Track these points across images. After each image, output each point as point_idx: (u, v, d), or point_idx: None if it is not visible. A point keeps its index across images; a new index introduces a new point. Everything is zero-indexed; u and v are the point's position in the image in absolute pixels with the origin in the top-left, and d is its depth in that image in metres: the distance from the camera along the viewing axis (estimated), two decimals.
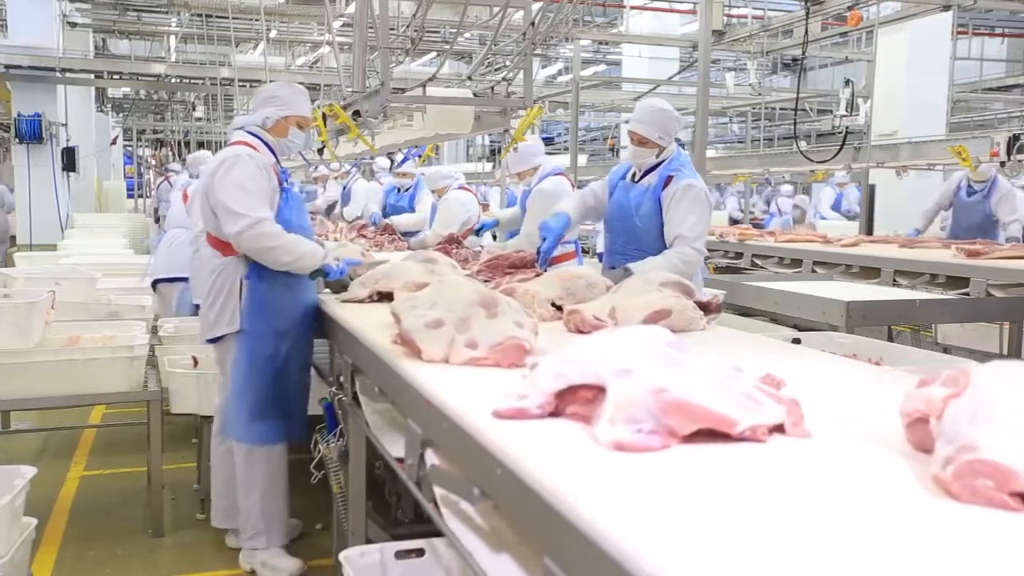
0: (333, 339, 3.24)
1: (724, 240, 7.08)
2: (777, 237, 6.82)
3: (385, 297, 3.21)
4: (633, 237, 3.64)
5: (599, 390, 1.53)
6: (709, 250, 7.19)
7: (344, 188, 9.26)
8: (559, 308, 2.79)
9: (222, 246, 3.37)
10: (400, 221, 6.96)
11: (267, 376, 3.39)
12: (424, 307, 2.29)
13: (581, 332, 2.49)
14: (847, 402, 1.85)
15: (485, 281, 3.28)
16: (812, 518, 1.16)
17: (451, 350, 2.13)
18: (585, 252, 6.83)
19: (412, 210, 7.45)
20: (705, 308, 2.75)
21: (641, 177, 3.68)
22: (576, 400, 1.58)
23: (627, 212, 3.68)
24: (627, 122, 3.80)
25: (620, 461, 1.38)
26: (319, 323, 3.45)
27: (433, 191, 6.83)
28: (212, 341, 3.49)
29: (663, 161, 3.61)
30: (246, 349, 3.38)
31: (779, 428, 1.51)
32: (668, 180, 3.55)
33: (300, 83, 3.91)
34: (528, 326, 2.22)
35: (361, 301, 3.28)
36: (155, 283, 6.03)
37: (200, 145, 17.15)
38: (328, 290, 3.52)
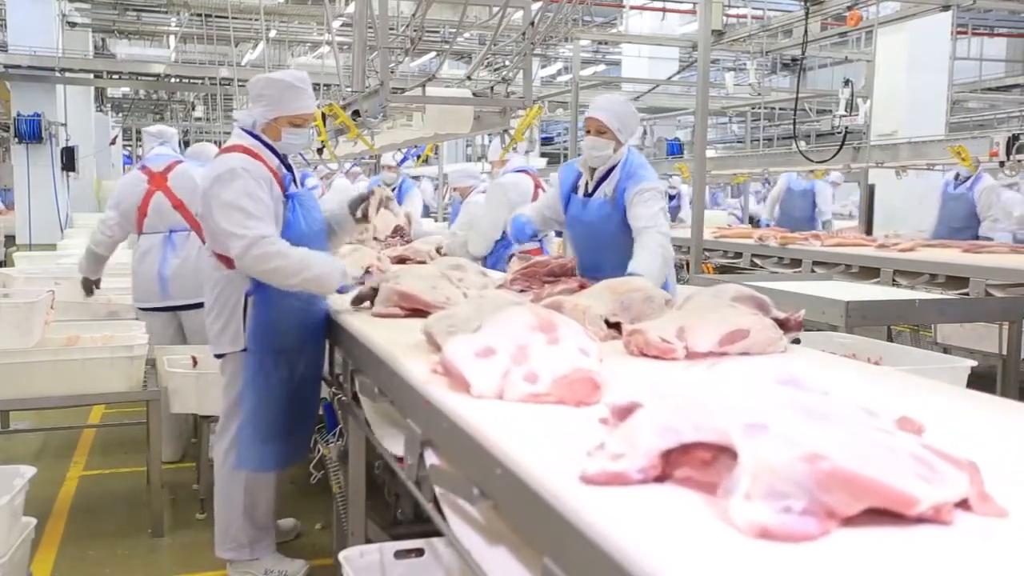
0: (339, 345, 3.13)
1: (764, 244, 6.87)
2: (824, 241, 6.48)
3: (418, 312, 2.86)
4: (611, 251, 3.56)
5: (720, 450, 1.22)
6: (708, 250, 7.23)
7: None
8: (612, 326, 2.52)
9: (224, 259, 3.13)
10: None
11: (278, 398, 3.21)
12: (463, 326, 2.06)
13: (646, 355, 2.22)
14: (1000, 448, 1.50)
15: (521, 291, 3.12)
16: None
17: (506, 384, 1.79)
18: None
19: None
20: (783, 325, 2.40)
21: (594, 189, 3.59)
22: (689, 462, 1.25)
23: (594, 228, 3.59)
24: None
25: (765, 551, 1.04)
26: (329, 332, 3.26)
27: (455, 189, 6.50)
28: (217, 356, 3.33)
29: (614, 167, 3.54)
30: (252, 370, 3.18)
31: (962, 502, 1.18)
32: (625, 188, 3.51)
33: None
34: (594, 353, 1.92)
35: (395, 316, 2.90)
36: None
37: None
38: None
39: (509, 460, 1.42)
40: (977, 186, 7.22)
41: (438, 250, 4.75)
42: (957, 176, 7.42)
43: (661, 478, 1.27)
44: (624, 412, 1.44)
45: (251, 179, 3.03)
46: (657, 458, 1.26)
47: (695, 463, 1.25)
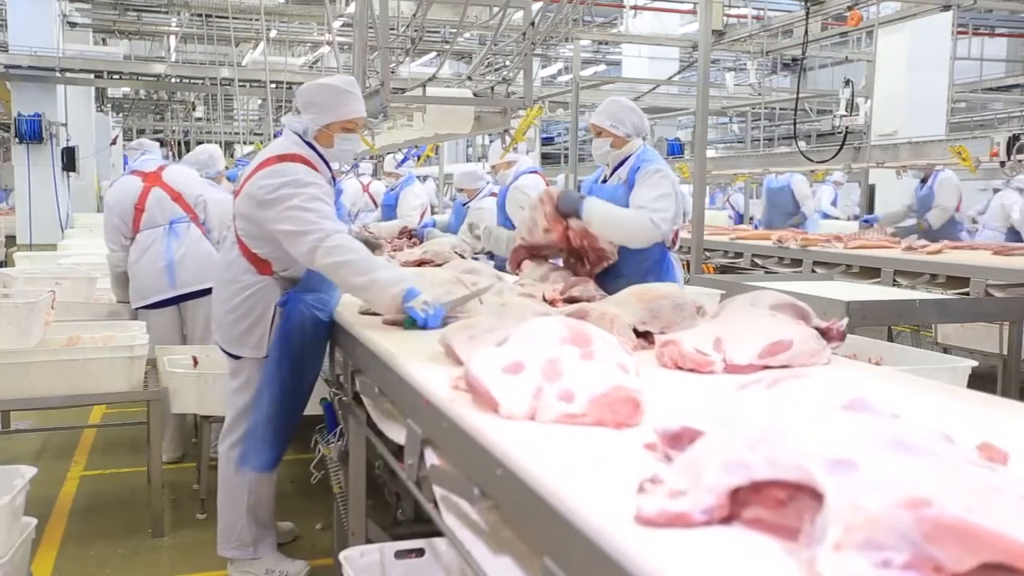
0: (339, 346, 3.10)
1: (783, 246, 6.84)
2: (847, 243, 6.42)
3: None
4: None
5: (797, 488, 1.07)
6: (709, 250, 7.22)
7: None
8: (641, 335, 2.43)
9: (259, 263, 3.15)
10: (380, 229, 6.28)
11: (291, 403, 3.21)
12: (486, 337, 1.96)
13: (680, 368, 2.10)
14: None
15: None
16: None
17: (538, 404, 1.64)
18: None
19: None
20: (824, 335, 2.27)
21: (611, 174, 3.68)
22: (760, 500, 1.11)
23: None
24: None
25: None
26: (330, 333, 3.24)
27: (461, 190, 6.35)
28: (230, 355, 3.32)
29: (629, 156, 3.62)
30: (269, 376, 3.16)
31: None
32: (637, 169, 3.57)
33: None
34: (632, 369, 1.75)
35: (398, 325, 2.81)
36: None
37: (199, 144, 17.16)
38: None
39: (558, 501, 1.24)
40: (937, 178, 7.58)
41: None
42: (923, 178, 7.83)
43: (727, 519, 1.12)
44: (676, 439, 1.31)
45: (320, 189, 3.06)
46: (725, 497, 1.11)
47: (768, 503, 1.10)
